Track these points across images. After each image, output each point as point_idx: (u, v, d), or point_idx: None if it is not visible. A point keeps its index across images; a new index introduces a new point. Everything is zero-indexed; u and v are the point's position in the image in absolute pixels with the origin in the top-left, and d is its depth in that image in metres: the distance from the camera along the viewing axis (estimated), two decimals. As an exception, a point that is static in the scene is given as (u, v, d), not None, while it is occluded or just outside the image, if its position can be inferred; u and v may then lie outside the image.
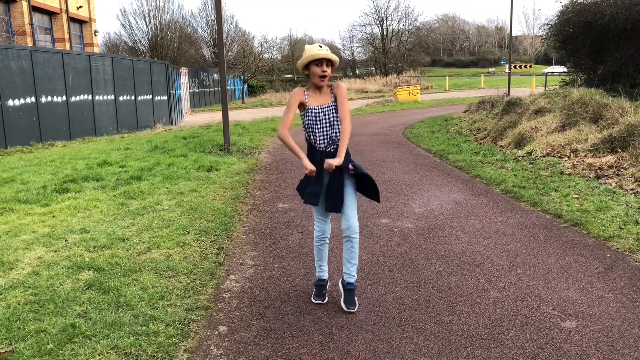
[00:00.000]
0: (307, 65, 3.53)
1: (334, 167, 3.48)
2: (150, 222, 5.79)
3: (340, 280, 3.84)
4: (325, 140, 3.59)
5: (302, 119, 3.65)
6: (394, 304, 3.77)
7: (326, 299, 3.83)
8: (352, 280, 3.69)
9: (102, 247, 4.94)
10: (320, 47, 3.51)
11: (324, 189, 3.62)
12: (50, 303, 3.71)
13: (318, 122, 3.56)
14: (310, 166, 3.49)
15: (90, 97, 17.09)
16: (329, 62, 3.50)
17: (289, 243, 5.20)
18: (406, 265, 4.53)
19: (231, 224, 5.83)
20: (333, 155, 3.57)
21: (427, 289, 4.02)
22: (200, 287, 4.09)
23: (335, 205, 3.59)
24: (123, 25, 40.49)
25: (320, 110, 3.57)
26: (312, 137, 3.61)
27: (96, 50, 31.35)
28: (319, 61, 3.47)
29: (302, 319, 3.55)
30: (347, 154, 3.60)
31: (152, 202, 6.70)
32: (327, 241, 3.82)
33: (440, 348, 3.15)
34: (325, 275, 3.88)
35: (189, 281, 4.18)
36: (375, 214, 6.17)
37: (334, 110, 3.57)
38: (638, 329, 3.32)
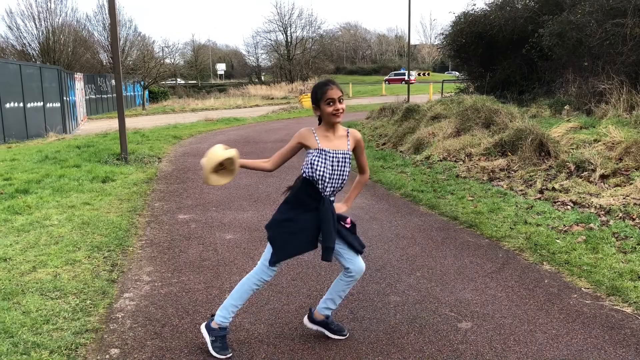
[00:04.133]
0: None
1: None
2: (36, 239, 5.38)
3: (307, 319, 3.45)
4: (332, 188, 3.14)
5: (309, 160, 3.12)
6: (297, 314, 3.71)
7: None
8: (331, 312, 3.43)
9: (-20, 269, 4.51)
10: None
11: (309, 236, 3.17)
12: None
13: (331, 167, 3.10)
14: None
15: (-29, 104, 15.77)
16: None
17: (189, 256, 5.01)
18: (309, 274, 4.49)
19: (127, 238, 5.53)
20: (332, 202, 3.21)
21: (329, 296, 4.00)
22: (90, 307, 3.82)
23: (361, 243, 3.29)
24: (10, 27, 37.77)
25: (335, 155, 3.11)
26: (319, 182, 3.10)
27: (-21, 53, 29.06)
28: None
29: (200, 336, 3.39)
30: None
31: (40, 217, 6.24)
32: None
33: (341, 357, 3.13)
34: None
35: (78, 302, 3.90)
36: (279, 222, 6.10)
37: (347, 159, 3.15)
38: (527, 325, 3.48)
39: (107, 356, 3.17)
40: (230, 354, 3.16)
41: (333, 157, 3.11)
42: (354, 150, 3.23)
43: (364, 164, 3.35)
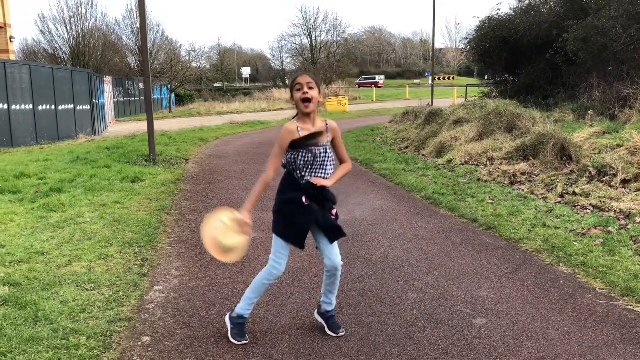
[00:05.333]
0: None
1: (319, 185, 3.30)
2: (71, 235, 5.65)
3: (316, 311, 3.63)
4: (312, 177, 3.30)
5: (293, 155, 3.27)
6: (317, 308, 3.88)
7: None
8: (332, 307, 3.55)
9: (19, 262, 4.78)
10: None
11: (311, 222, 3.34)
12: (-39, 320, 3.56)
13: (313, 161, 3.27)
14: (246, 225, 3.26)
15: (5, 106, 16.30)
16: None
17: (215, 252, 5.21)
18: (330, 271, 4.65)
19: (156, 235, 5.77)
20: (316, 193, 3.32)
21: (349, 292, 4.17)
22: (123, 298, 4.05)
23: (337, 234, 3.40)
24: (42, 31, 38.69)
25: (314, 148, 3.27)
26: (298, 174, 3.29)
27: (12, 57, 29.90)
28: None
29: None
30: (332, 193, 3.42)
31: (73, 214, 6.52)
32: None
33: (359, 348, 3.29)
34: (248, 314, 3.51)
35: (111, 293, 4.13)
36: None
37: (329, 151, 3.31)
38: (540, 322, 3.59)
39: (139, 343, 3.39)
40: (246, 341, 3.37)
41: (315, 150, 3.26)
42: (333, 140, 3.38)
43: (343, 155, 3.47)
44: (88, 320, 3.64)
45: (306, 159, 3.27)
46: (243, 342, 3.37)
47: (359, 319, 3.69)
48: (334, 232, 3.39)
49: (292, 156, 3.28)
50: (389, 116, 20.86)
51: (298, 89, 3.23)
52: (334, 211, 3.44)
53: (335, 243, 3.43)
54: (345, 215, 6.59)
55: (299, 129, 3.25)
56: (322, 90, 3.33)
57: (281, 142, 3.25)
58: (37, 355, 3.13)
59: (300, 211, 3.30)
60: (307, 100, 3.22)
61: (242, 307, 3.44)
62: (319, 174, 3.31)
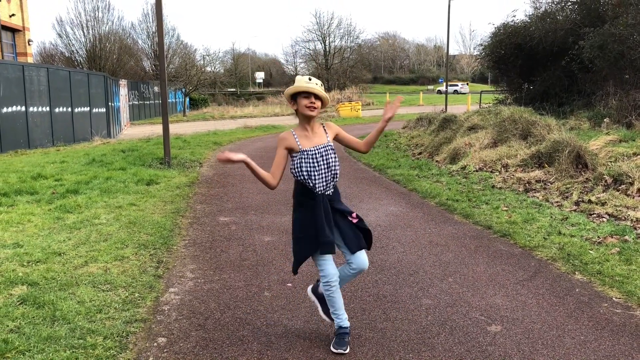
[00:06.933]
0: (295, 99, 3.31)
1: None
2: (87, 236, 5.71)
3: (311, 288, 3.68)
4: (324, 183, 3.31)
5: (295, 163, 3.31)
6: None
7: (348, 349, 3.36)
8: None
9: (37, 262, 4.84)
10: (310, 79, 3.28)
11: (335, 234, 3.35)
12: (-19, 319, 3.62)
13: (316, 164, 3.28)
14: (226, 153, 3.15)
15: (23, 108, 16.52)
16: (318, 96, 3.28)
17: (230, 256, 5.25)
18: (344, 276, 4.66)
19: (171, 237, 5.82)
20: (332, 198, 3.39)
21: (363, 297, 4.17)
22: (139, 300, 4.08)
23: (360, 243, 3.40)
24: (59, 35, 39.22)
25: (317, 152, 3.30)
26: (309, 182, 3.29)
27: (30, 60, 30.30)
28: (306, 93, 3.26)
29: (241, 329, 3.62)
30: (337, 193, 3.47)
31: (90, 215, 6.59)
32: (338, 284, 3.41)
33: (374, 353, 3.29)
34: (347, 323, 3.42)
35: (127, 294, 4.17)
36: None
37: (331, 151, 3.34)
38: (555, 331, 3.57)
39: (155, 344, 3.41)
40: (343, 351, 3.31)
41: (316, 153, 3.29)
42: (337, 137, 3.44)
43: (353, 140, 3.47)
44: (105, 320, 3.68)
45: (308, 161, 3.28)
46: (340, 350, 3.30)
47: (374, 324, 3.69)
48: (353, 243, 3.37)
49: (297, 163, 3.30)
50: (402, 122, 20.84)
51: (306, 97, 3.27)
52: (354, 214, 3.44)
53: (362, 251, 3.40)
54: (359, 221, 6.59)
55: (294, 135, 3.32)
56: (331, 97, 3.36)
57: (277, 149, 3.33)
58: (55, 354, 3.17)
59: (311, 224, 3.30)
60: (314, 108, 3.28)
61: (336, 320, 3.42)
62: (329, 177, 3.32)
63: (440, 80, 64.30)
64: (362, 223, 3.46)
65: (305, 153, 3.29)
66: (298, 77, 3.31)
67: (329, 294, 3.35)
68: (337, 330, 3.40)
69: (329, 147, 3.34)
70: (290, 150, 3.33)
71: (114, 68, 38.00)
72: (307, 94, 3.26)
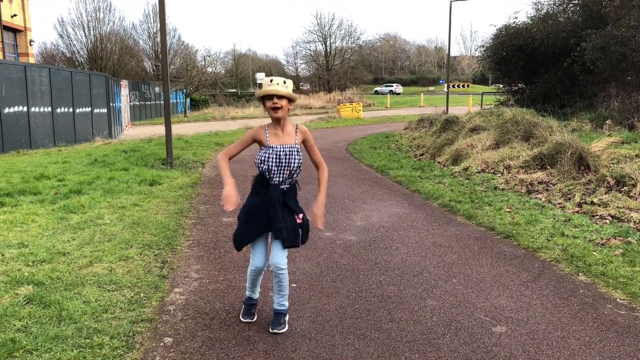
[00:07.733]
0: (263, 100, 3.49)
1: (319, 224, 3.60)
2: (91, 236, 5.72)
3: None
4: (280, 178, 3.53)
5: (260, 155, 3.51)
6: (337, 313, 3.90)
7: (255, 318, 3.76)
8: (282, 308, 3.66)
9: (42, 262, 4.85)
10: (271, 81, 3.42)
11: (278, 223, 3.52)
12: (-12, 318, 3.63)
13: (278, 161, 3.48)
14: (229, 197, 3.47)
15: (25, 108, 16.54)
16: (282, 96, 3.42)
17: (234, 256, 5.26)
18: (348, 276, 4.68)
19: (175, 237, 5.83)
20: (286, 193, 3.57)
21: (368, 298, 4.18)
22: (144, 300, 4.09)
23: (294, 240, 3.59)
24: (60, 35, 39.36)
25: (281, 150, 3.49)
26: (267, 174, 3.53)
27: (31, 60, 30.35)
28: (269, 96, 3.43)
29: (247, 329, 3.63)
30: (294, 191, 3.63)
31: (93, 216, 6.60)
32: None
33: (380, 353, 3.31)
34: (256, 296, 3.84)
35: (132, 294, 4.18)
36: (319, 228, 6.31)
37: (295, 153, 3.51)
38: (560, 332, 3.58)
39: (162, 344, 3.43)
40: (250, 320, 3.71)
41: (280, 151, 3.50)
42: (304, 144, 3.63)
43: (317, 159, 3.68)
44: (111, 320, 3.69)
45: (272, 157, 3.48)
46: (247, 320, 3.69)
47: (379, 325, 3.70)
48: (288, 238, 3.55)
49: (262, 156, 3.50)
50: (403, 123, 20.88)
51: (269, 99, 3.44)
52: (300, 215, 3.62)
53: (283, 250, 3.59)
54: (362, 222, 6.61)
55: (267, 130, 3.54)
56: (295, 96, 3.54)
57: (246, 135, 3.60)
58: (62, 353, 3.18)
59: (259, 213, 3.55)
60: (277, 109, 3.45)
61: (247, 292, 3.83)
62: (285, 174, 3.52)
63: (441, 82, 64.32)
64: (304, 227, 3.65)
65: (271, 149, 3.51)
66: (264, 79, 3.52)
67: (251, 277, 3.74)
68: (247, 301, 3.80)
69: (294, 149, 3.53)
70: (259, 143, 3.56)
71: (115, 68, 38.09)
72: (269, 96, 3.44)
